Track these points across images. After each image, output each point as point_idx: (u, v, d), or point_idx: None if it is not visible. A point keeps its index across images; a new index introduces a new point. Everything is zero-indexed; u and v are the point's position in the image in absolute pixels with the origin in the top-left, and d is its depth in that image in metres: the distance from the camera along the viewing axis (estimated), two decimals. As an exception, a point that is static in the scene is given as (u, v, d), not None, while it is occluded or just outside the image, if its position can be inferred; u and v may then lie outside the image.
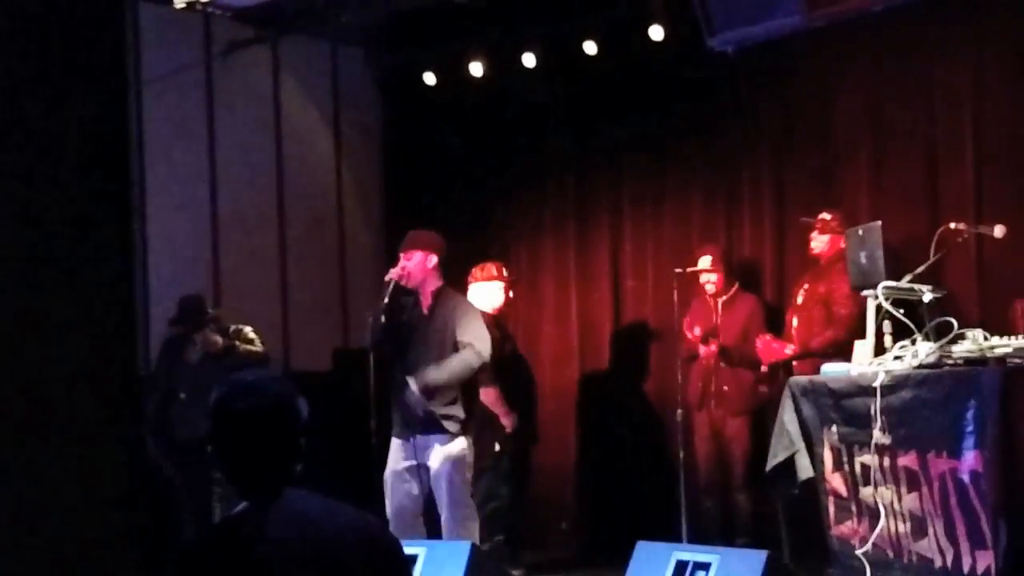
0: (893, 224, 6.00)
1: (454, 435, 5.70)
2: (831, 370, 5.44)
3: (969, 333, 4.77)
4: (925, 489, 4.73)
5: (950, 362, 4.77)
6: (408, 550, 2.65)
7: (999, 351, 4.61)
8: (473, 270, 6.99)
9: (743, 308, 7.03)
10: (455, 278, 6.35)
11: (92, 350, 1.34)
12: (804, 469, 5.40)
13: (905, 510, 4.87)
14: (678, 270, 6.82)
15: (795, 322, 6.67)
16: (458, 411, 5.73)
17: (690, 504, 6.55)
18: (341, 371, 8.03)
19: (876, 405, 4.88)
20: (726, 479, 7.00)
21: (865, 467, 5.04)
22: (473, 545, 5.34)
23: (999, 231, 5.61)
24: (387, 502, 5.77)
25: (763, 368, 6.81)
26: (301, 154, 8.36)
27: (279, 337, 7.97)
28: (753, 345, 6.75)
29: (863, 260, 5.60)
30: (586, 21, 7.61)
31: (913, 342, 4.99)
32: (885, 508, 4.96)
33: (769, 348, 6.65)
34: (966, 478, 4.47)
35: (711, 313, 7.06)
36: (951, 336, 4.76)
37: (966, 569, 4.52)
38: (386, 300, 5.71)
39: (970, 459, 4.44)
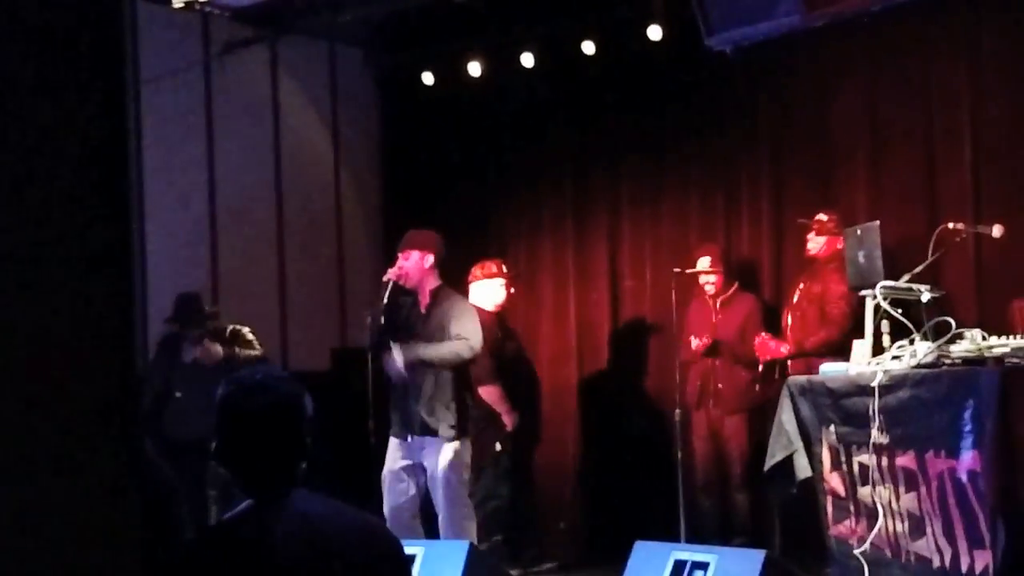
0: (891, 224, 6.01)
1: (452, 436, 5.70)
2: (829, 370, 5.45)
3: (967, 333, 4.77)
4: (923, 489, 4.73)
5: (948, 362, 4.77)
6: (407, 549, 2.64)
7: (997, 351, 4.61)
8: (473, 269, 7.01)
9: (741, 308, 7.04)
10: (454, 277, 6.35)
11: (91, 350, 1.34)
12: (802, 469, 5.41)
13: (903, 510, 4.88)
14: (676, 270, 6.83)
15: (789, 320, 6.70)
16: (450, 416, 5.72)
17: (688, 504, 6.56)
18: (339, 371, 8.03)
19: (874, 405, 4.88)
20: (724, 478, 7.01)
21: (863, 467, 5.05)
22: (471, 545, 5.34)
23: (997, 231, 5.61)
24: (384, 501, 5.77)
25: (760, 367, 6.82)
26: (299, 154, 8.36)
27: (277, 337, 7.97)
28: (751, 344, 6.77)
29: (861, 260, 5.60)
30: (584, 21, 7.62)
31: (911, 342, 4.99)
32: (883, 508, 4.96)
33: (766, 347, 6.67)
34: (964, 478, 4.47)
35: (710, 313, 7.07)
36: (949, 336, 4.76)
37: (964, 569, 4.52)
38: (384, 300, 5.72)
39: (968, 459, 4.44)
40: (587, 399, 8.05)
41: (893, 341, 5.16)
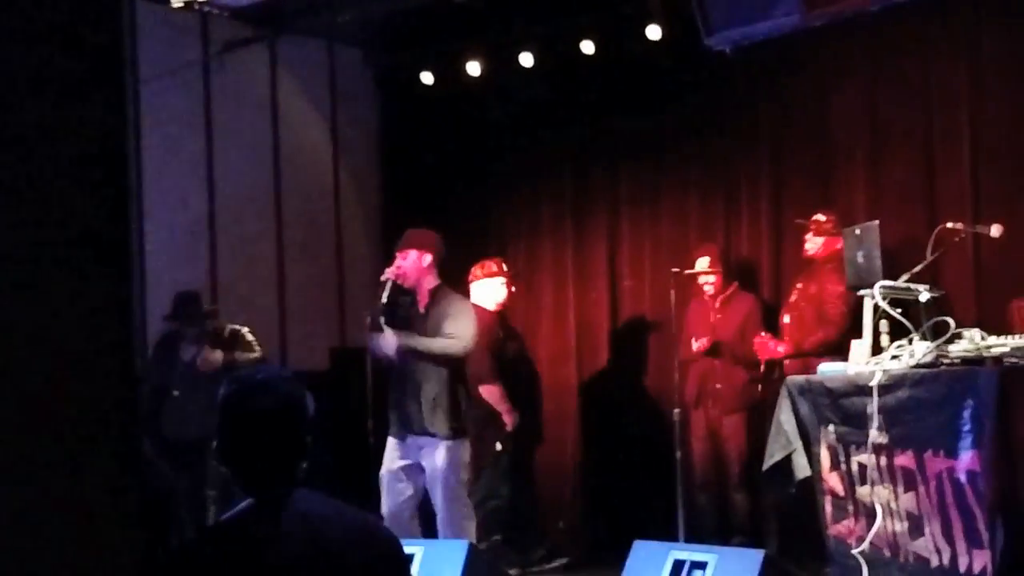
0: (890, 223, 6.01)
1: (450, 436, 5.70)
2: (828, 369, 5.45)
3: (966, 332, 4.77)
4: (922, 488, 4.73)
5: (947, 361, 4.77)
6: (406, 549, 2.64)
7: (996, 350, 4.61)
8: (473, 268, 7.01)
9: (741, 307, 7.04)
10: (453, 277, 6.35)
11: (90, 350, 1.35)
12: (801, 468, 5.41)
13: (902, 509, 4.88)
14: (675, 270, 6.83)
15: (787, 320, 6.71)
16: (448, 416, 5.71)
17: (687, 503, 6.56)
18: (338, 370, 8.03)
19: (873, 404, 4.88)
20: (722, 478, 7.01)
21: (862, 466, 5.05)
22: (471, 544, 5.34)
23: (996, 231, 5.62)
24: (383, 502, 5.77)
25: (762, 366, 6.82)
26: (299, 153, 8.36)
27: (276, 336, 7.97)
28: (750, 344, 6.78)
29: (860, 259, 5.61)
30: (583, 21, 7.62)
31: (910, 341, 4.99)
32: (882, 507, 4.96)
33: (765, 347, 6.68)
34: (963, 477, 4.47)
35: (709, 313, 7.07)
36: (948, 335, 4.76)
37: (963, 568, 4.52)
38: (384, 300, 5.72)
39: (967, 459, 4.45)
40: (586, 399, 8.05)
41: (892, 341, 5.16)
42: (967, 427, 4.45)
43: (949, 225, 5.67)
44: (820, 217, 6.60)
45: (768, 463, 5.52)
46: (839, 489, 5.25)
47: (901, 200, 6.75)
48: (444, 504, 5.70)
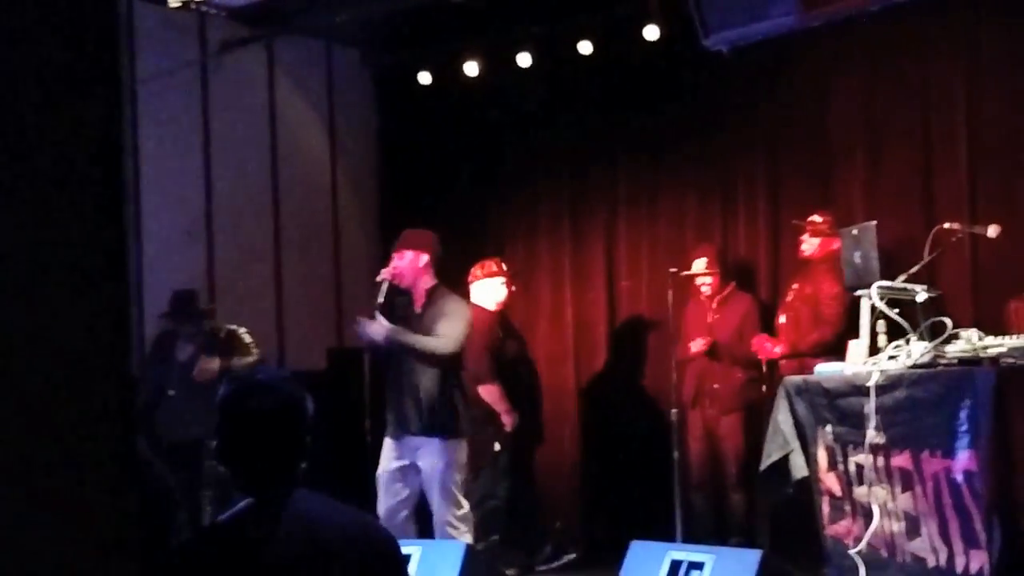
0: (888, 224, 6.01)
1: (446, 436, 5.70)
2: (825, 370, 5.45)
3: (963, 333, 4.78)
4: (919, 488, 4.73)
5: (944, 362, 4.77)
6: (403, 549, 2.65)
7: (993, 351, 4.62)
8: (473, 269, 7.01)
9: (738, 308, 7.04)
10: (451, 277, 6.34)
11: (85, 352, 1.34)
12: (798, 468, 5.41)
13: (899, 509, 4.88)
14: (673, 270, 6.83)
15: (783, 320, 6.71)
16: (444, 416, 5.70)
17: (685, 503, 6.56)
18: (336, 370, 8.02)
19: (871, 405, 4.88)
20: (720, 478, 7.01)
21: (859, 466, 5.05)
22: (468, 545, 5.34)
23: (993, 231, 5.62)
24: (379, 502, 5.76)
25: (763, 366, 6.82)
26: (296, 153, 8.35)
27: (274, 336, 7.96)
28: (748, 344, 6.78)
29: (858, 260, 5.61)
30: (581, 21, 7.62)
31: (907, 342, 5.00)
32: (879, 508, 4.97)
33: (762, 347, 6.69)
34: (960, 478, 4.48)
35: (706, 313, 7.07)
36: (945, 336, 4.77)
37: (959, 568, 4.53)
38: (380, 300, 5.71)
39: (964, 459, 4.45)
40: (584, 399, 8.05)
41: (889, 341, 5.17)
42: (964, 427, 4.45)
43: (946, 225, 5.68)
44: (816, 218, 6.61)
45: (765, 463, 5.53)
46: (836, 489, 5.26)
47: (898, 200, 6.75)
48: (440, 505, 5.70)
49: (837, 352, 5.72)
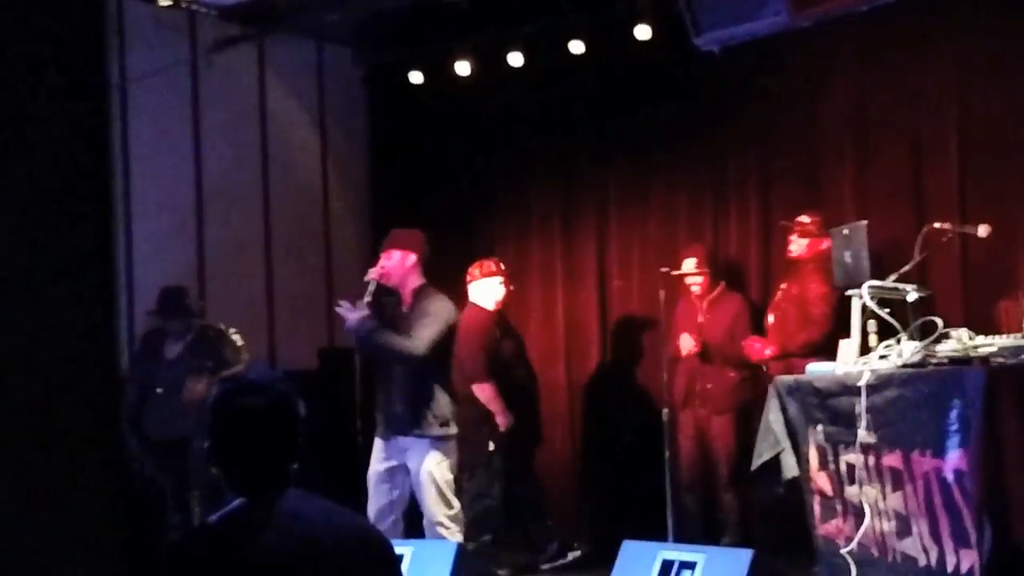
0: (878, 223, 6.01)
1: (434, 437, 5.69)
2: (816, 369, 5.45)
3: (954, 332, 4.78)
4: (909, 488, 4.74)
5: (935, 361, 4.78)
6: (395, 550, 2.64)
7: (983, 350, 4.62)
8: (471, 269, 7.00)
9: (729, 308, 7.04)
10: (443, 277, 6.34)
11: (73, 351, 1.34)
12: (789, 468, 5.41)
13: (890, 509, 4.88)
14: (664, 270, 6.83)
15: (771, 319, 6.72)
16: (433, 417, 5.69)
17: (676, 503, 6.56)
18: (327, 370, 8.01)
19: (861, 404, 4.89)
20: (711, 478, 7.01)
21: (850, 466, 5.05)
22: (459, 545, 5.34)
23: (983, 231, 5.63)
24: (369, 502, 5.76)
25: (762, 366, 6.82)
26: (287, 152, 8.34)
27: (265, 336, 7.95)
28: (739, 345, 6.79)
29: (848, 259, 5.61)
30: (573, 20, 7.61)
31: (898, 341, 5.00)
32: (870, 507, 4.97)
33: (752, 348, 6.69)
34: (950, 477, 4.48)
35: (697, 313, 7.07)
36: (936, 335, 4.77)
37: (950, 568, 4.53)
38: (368, 299, 5.70)
39: (954, 458, 4.45)
40: (575, 399, 8.05)
41: (880, 341, 5.17)
42: (954, 427, 4.45)
43: (937, 225, 5.68)
44: (804, 219, 6.61)
45: (756, 463, 5.53)
46: (827, 489, 5.26)
47: (889, 200, 6.76)
48: (429, 505, 5.69)
49: (828, 352, 5.73)
